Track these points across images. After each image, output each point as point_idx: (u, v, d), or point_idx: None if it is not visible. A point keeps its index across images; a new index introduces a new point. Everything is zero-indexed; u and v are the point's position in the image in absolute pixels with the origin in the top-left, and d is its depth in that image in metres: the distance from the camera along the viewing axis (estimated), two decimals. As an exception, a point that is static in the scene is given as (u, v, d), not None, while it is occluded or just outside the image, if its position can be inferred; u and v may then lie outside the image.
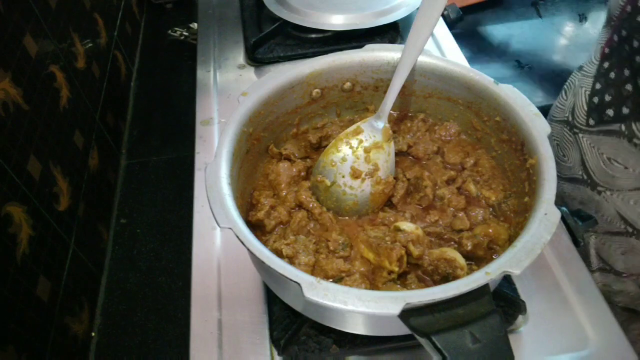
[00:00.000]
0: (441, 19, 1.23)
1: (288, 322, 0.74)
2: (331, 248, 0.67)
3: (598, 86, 0.91)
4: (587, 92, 0.94)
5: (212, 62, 1.23)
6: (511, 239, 0.64)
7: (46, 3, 1.01)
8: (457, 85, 0.75)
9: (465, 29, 1.45)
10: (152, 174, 1.27)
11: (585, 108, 0.94)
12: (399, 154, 0.78)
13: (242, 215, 0.59)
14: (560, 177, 1.03)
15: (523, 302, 0.74)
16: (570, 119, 0.99)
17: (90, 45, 1.22)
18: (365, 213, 0.73)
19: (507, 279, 0.77)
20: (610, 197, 0.92)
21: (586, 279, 0.79)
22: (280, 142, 0.80)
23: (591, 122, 0.92)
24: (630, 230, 0.91)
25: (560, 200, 0.93)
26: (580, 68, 0.99)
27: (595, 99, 0.91)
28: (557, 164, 1.02)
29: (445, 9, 1.23)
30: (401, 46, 0.73)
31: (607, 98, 0.87)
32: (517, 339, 0.73)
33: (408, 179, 0.75)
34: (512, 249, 0.53)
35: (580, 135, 0.96)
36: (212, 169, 0.63)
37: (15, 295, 0.77)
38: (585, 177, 0.96)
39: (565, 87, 1.06)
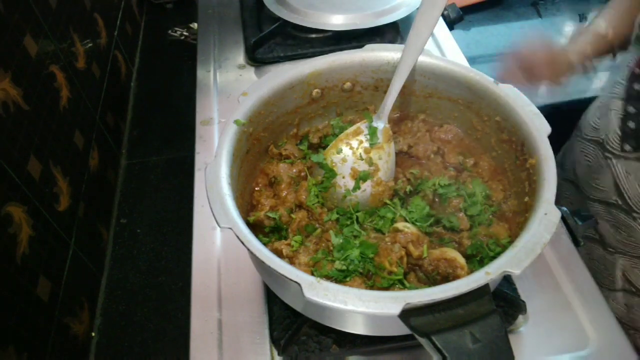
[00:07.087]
0: (441, 19, 1.23)
1: (288, 322, 0.74)
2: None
3: (631, 110, 0.86)
4: (619, 116, 0.89)
5: (212, 62, 1.23)
6: (511, 239, 0.64)
7: (46, 3, 1.01)
8: (457, 85, 0.75)
9: (466, 29, 1.45)
10: (152, 174, 1.27)
11: (619, 133, 0.89)
12: (399, 154, 0.78)
13: (242, 215, 0.59)
14: (591, 199, 1.00)
15: (523, 302, 0.74)
16: (603, 141, 0.93)
17: (90, 45, 1.22)
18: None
19: (507, 279, 0.77)
20: None
21: (586, 279, 0.79)
22: (280, 142, 0.80)
23: (627, 147, 0.88)
24: None
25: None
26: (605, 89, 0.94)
27: (631, 124, 0.86)
28: (589, 185, 0.99)
29: (445, 9, 1.23)
30: (401, 46, 0.73)
31: None
32: (517, 339, 0.73)
33: (408, 179, 0.75)
34: (512, 249, 0.53)
35: (615, 161, 0.91)
36: (212, 169, 0.63)
37: (15, 295, 0.77)
38: (619, 202, 0.92)
39: (598, 104, 1.00)
